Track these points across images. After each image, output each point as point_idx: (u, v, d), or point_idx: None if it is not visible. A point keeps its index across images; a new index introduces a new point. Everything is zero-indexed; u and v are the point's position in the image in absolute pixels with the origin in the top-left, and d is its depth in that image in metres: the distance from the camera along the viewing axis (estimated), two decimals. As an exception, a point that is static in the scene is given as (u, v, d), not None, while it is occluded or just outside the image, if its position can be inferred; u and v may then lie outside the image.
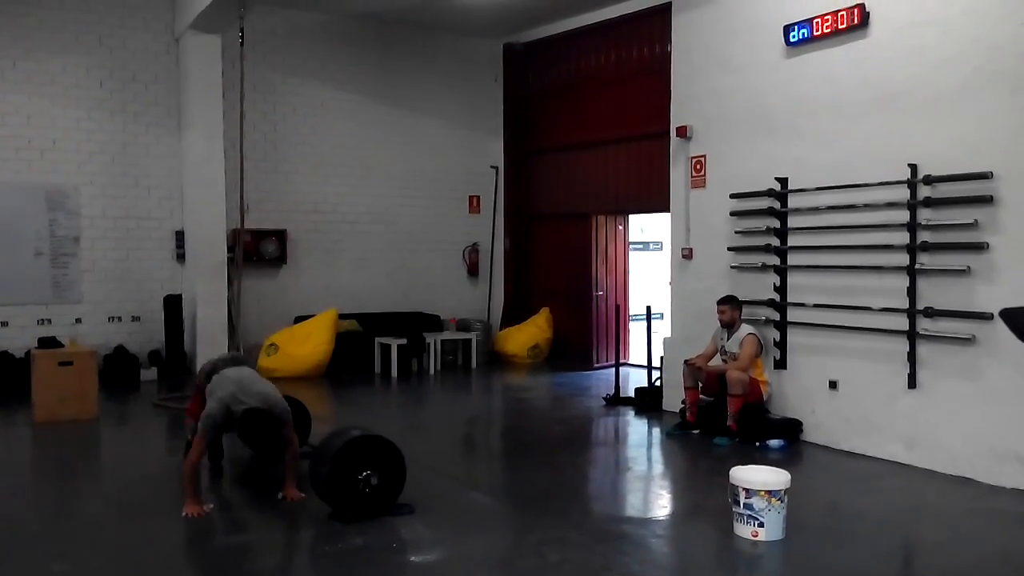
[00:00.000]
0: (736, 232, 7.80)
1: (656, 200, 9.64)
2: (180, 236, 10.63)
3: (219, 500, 5.55)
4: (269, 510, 5.43)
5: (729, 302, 7.46)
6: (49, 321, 9.88)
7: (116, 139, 10.32)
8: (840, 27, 6.84)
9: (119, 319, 10.35)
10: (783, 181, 7.38)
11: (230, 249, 10.34)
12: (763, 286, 7.55)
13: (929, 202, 6.27)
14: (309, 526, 5.00)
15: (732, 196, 7.80)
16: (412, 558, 4.59)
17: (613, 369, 9.40)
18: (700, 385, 7.48)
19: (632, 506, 5.80)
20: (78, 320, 10.07)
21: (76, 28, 10.07)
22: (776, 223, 7.44)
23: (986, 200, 5.92)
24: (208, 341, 10.33)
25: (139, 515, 5.31)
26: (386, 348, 10.84)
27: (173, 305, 10.27)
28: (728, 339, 7.46)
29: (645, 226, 12.82)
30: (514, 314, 12.42)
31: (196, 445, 5.31)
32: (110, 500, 5.72)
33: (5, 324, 9.69)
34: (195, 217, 10.43)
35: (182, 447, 7.48)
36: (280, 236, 11.16)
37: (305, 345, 10.34)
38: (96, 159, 10.21)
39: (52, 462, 6.92)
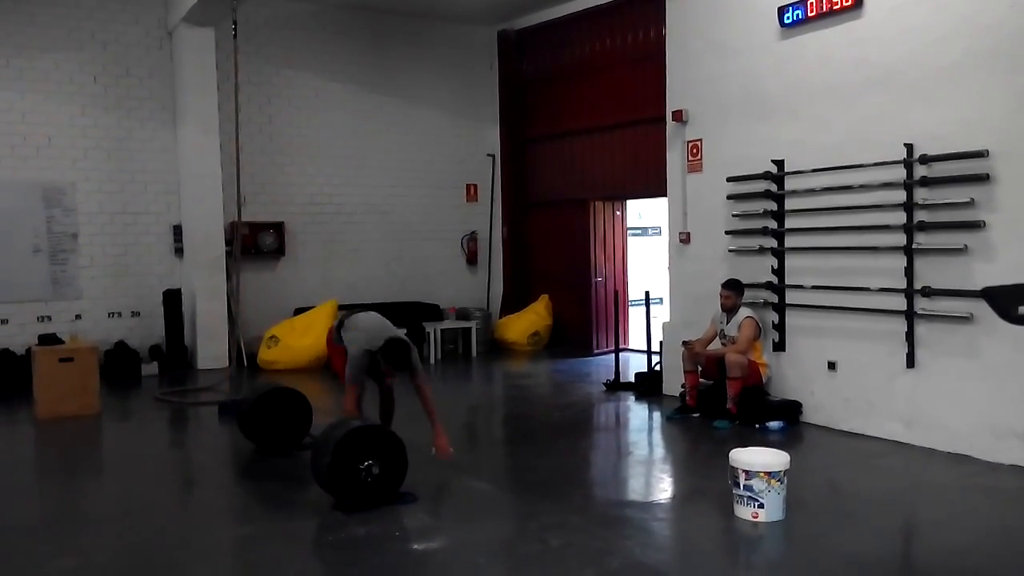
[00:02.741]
0: (733, 215, 7.80)
1: (653, 185, 9.64)
2: (178, 230, 10.64)
3: (226, 492, 5.57)
4: (272, 501, 5.46)
5: (733, 287, 7.45)
6: (49, 318, 9.89)
7: (111, 135, 10.31)
8: (834, 7, 6.82)
9: (119, 315, 10.36)
10: (779, 163, 7.38)
11: (228, 242, 10.35)
12: (761, 269, 7.55)
13: (925, 181, 6.27)
14: (312, 516, 5.03)
15: (729, 179, 7.79)
16: (415, 546, 4.61)
17: (613, 355, 9.42)
18: (700, 369, 7.50)
19: (633, 490, 5.82)
20: (78, 316, 10.08)
21: (68, 24, 10.04)
22: (773, 206, 7.44)
23: (982, 179, 5.92)
24: (208, 335, 10.36)
25: (143, 509, 5.33)
26: (386, 338, 10.83)
27: (172, 299, 10.29)
28: (727, 323, 7.47)
29: (643, 211, 12.82)
30: (513, 302, 12.43)
31: (348, 393, 5.79)
32: (114, 495, 5.75)
33: (5, 322, 9.71)
34: (192, 211, 10.43)
35: (173, 437, 7.54)
36: (278, 228, 11.16)
37: (305, 337, 10.35)
38: (92, 155, 10.20)
39: (55, 458, 6.94)
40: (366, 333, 5.82)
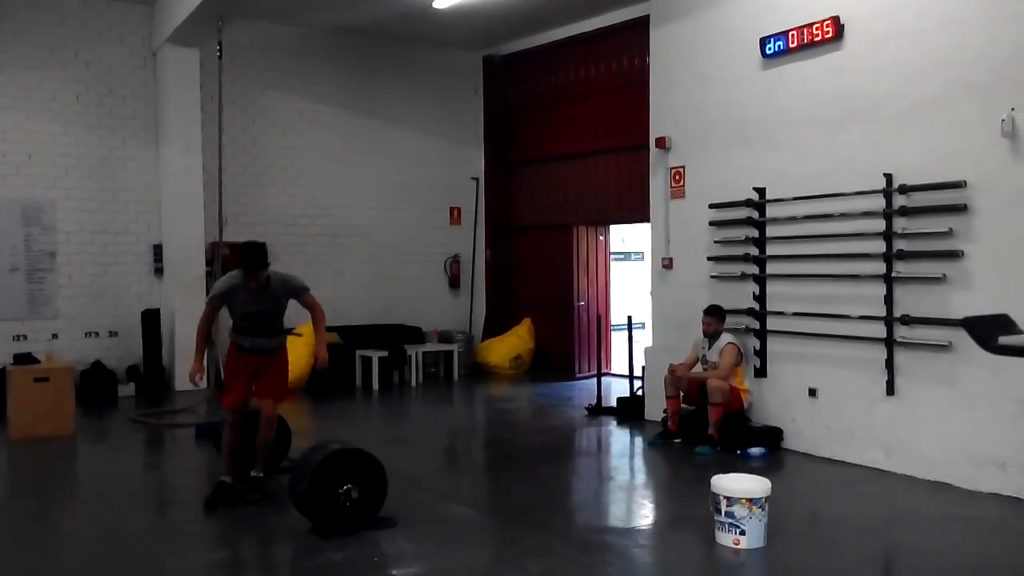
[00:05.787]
0: (715, 242, 7.85)
1: (637, 211, 9.69)
2: (158, 250, 10.55)
3: (201, 515, 5.49)
4: (249, 525, 5.38)
5: (715, 313, 7.48)
6: (25, 337, 9.76)
7: (93, 153, 10.25)
8: (815, 40, 6.92)
9: (96, 334, 10.24)
10: (761, 191, 7.44)
11: (208, 263, 10.28)
12: (742, 295, 7.59)
13: (904, 211, 6.34)
14: (289, 541, 4.96)
15: (711, 206, 7.85)
16: (393, 572, 4.56)
17: (595, 379, 9.41)
18: (681, 394, 7.50)
19: (615, 516, 5.80)
20: (54, 336, 9.95)
21: (52, 42, 10.00)
22: (755, 233, 7.49)
23: (960, 209, 5.99)
24: (187, 356, 10.17)
25: (117, 533, 5.24)
26: (367, 361, 10.79)
27: (151, 320, 10.18)
28: (709, 348, 7.49)
29: (626, 236, 12.88)
30: (496, 325, 12.41)
31: (204, 314, 6.09)
32: (87, 518, 5.64)
33: (-20, 340, 9.57)
34: (173, 231, 10.36)
35: (148, 459, 7.43)
36: (260, 249, 11.08)
37: (285, 359, 10.24)
38: (72, 173, 10.13)
39: (29, 480, 6.81)
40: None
